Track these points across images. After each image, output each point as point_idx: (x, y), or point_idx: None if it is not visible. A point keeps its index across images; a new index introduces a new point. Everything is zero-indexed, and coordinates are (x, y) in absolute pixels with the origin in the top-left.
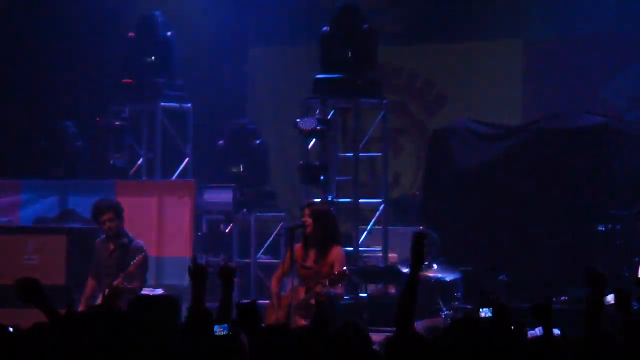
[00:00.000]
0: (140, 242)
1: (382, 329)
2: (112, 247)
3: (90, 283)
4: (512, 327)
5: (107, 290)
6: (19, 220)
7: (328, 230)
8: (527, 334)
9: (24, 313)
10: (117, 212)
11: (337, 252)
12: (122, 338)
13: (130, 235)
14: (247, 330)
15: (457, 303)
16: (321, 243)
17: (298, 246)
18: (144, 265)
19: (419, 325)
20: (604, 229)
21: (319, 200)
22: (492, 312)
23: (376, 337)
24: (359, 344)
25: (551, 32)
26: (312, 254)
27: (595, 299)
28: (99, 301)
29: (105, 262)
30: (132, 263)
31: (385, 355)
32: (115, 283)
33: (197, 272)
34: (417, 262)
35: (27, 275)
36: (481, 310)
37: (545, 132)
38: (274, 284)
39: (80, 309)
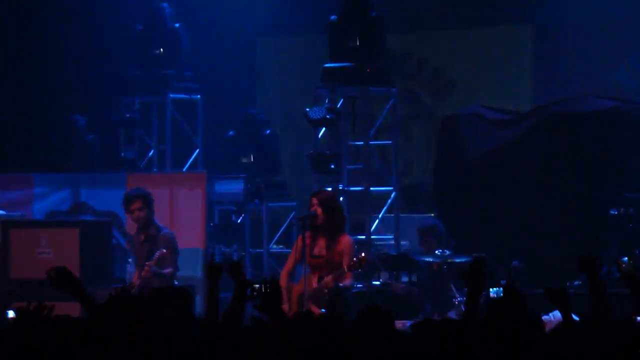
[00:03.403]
0: (168, 231)
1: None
2: (142, 237)
3: (136, 274)
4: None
5: (138, 282)
6: (31, 214)
7: (336, 218)
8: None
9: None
10: (146, 201)
11: (347, 241)
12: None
13: (160, 224)
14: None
15: None
16: (330, 231)
17: (306, 235)
18: (173, 251)
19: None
20: (616, 212)
21: (328, 189)
22: (502, 292)
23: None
24: (383, 327)
25: (561, 16)
26: (320, 243)
27: (592, 283)
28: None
29: (138, 253)
30: (153, 258)
31: (413, 336)
32: (143, 274)
33: (212, 270)
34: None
35: (42, 268)
36: (491, 290)
37: (555, 116)
38: (283, 279)
39: None
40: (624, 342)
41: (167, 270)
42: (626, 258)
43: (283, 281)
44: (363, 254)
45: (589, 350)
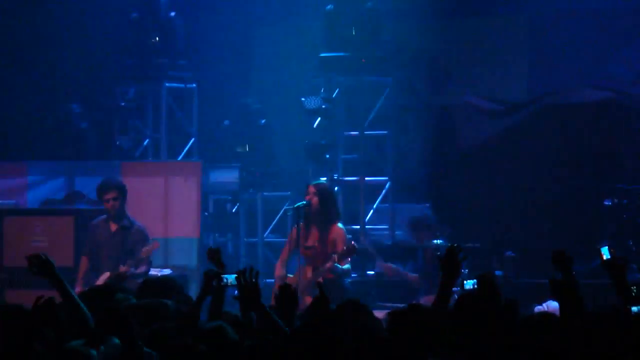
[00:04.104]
0: (141, 224)
1: (389, 304)
2: (113, 228)
3: (84, 262)
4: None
5: (108, 274)
6: (26, 202)
7: (331, 209)
8: (517, 307)
9: (34, 293)
10: (121, 191)
11: (338, 230)
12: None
13: (131, 217)
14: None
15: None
16: (323, 222)
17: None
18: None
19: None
20: (610, 204)
21: (323, 179)
22: (476, 283)
23: (383, 314)
24: (361, 320)
25: (557, 6)
26: (313, 234)
27: (565, 279)
28: (99, 282)
29: (107, 242)
30: (143, 249)
31: (389, 326)
32: (123, 269)
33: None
34: (450, 277)
35: None
36: (465, 282)
37: (551, 107)
38: (278, 270)
39: (77, 288)
40: (602, 333)
41: (142, 270)
42: (606, 248)
43: (279, 270)
44: (353, 243)
45: (565, 340)
